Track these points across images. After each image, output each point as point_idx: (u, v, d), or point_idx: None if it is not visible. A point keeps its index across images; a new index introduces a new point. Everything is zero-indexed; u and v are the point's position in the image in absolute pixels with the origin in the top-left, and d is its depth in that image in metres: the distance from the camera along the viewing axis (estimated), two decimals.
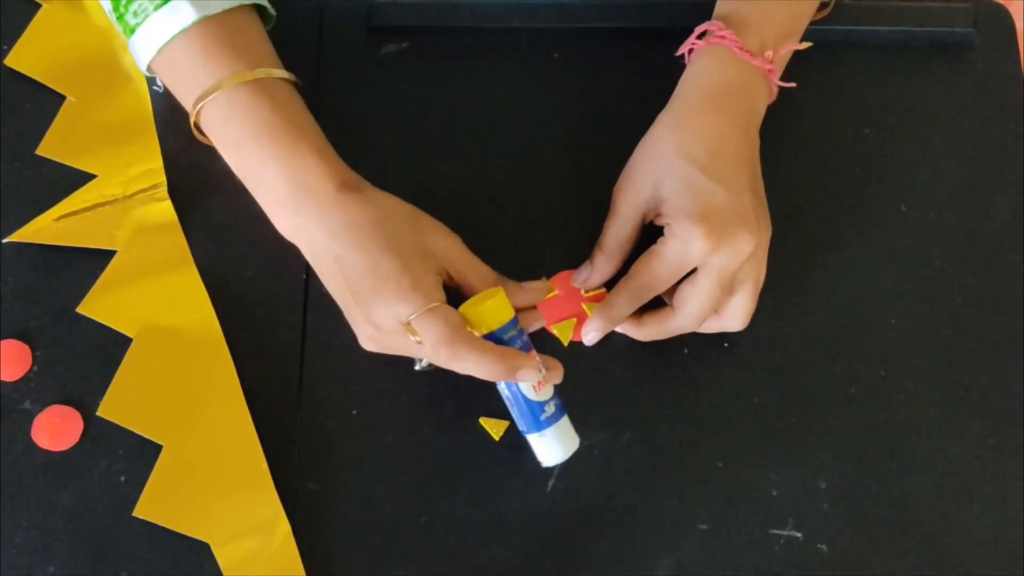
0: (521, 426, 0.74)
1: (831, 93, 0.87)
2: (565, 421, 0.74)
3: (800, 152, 0.85)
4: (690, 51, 0.81)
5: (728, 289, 0.76)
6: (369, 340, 0.74)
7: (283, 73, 0.77)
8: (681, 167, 0.75)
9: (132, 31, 0.77)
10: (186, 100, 0.77)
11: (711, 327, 0.78)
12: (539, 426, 0.73)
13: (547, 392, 0.73)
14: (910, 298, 0.82)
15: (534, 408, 0.73)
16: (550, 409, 0.73)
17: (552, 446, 0.74)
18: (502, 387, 0.73)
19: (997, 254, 0.84)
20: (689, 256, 0.74)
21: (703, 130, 0.77)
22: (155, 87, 0.84)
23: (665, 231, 0.75)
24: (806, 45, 0.82)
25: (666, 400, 0.79)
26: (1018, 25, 0.92)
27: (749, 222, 0.75)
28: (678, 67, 0.82)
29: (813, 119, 0.84)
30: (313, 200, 0.74)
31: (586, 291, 0.79)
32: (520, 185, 0.83)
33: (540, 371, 0.72)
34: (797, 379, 0.80)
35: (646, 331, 0.78)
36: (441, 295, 0.72)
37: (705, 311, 0.76)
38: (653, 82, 0.86)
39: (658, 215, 0.77)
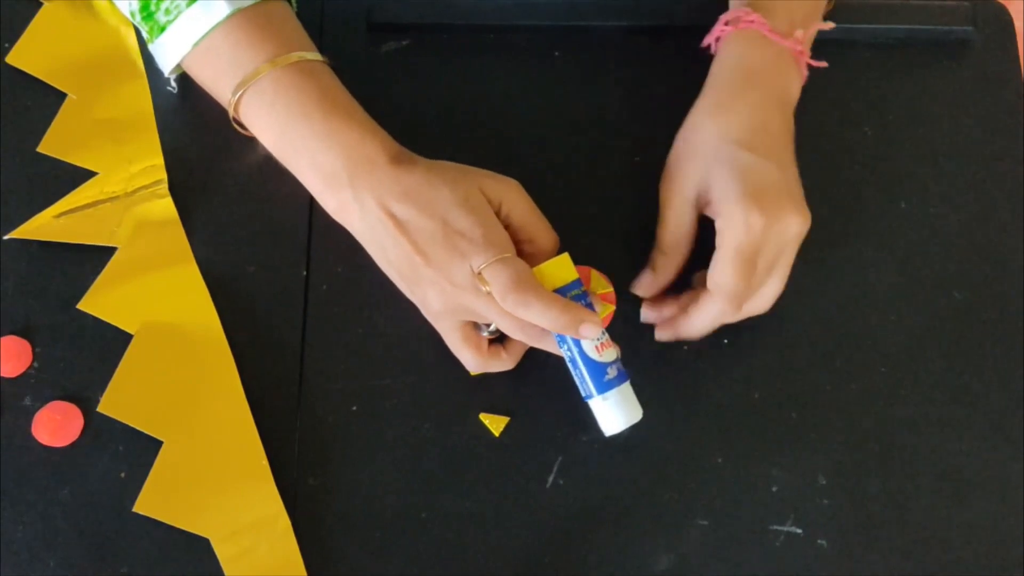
0: (584, 390, 0.74)
1: (831, 92, 0.87)
2: (627, 387, 0.74)
3: (800, 151, 0.84)
4: (716, 40, 0.81)
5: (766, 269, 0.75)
6: (438, 299, 0.73)
7: (319, 56, 0.78)
8: (727, 150, 0.75)
9: (162, 29, 0.77)
10: (224, 91, 0.77)
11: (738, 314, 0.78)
12: (601, 388, 0.73)
13: (609, 355, 0.73)
14: (910, 296, 0.82)
15: (596, 369, 0.73)
16: (612, 372, 0.73)
17: (614, 411, 0.73)
18: (565, 348, 0.73)
19: (997, 253, 0.84)
20: (753, 237, 0.72)
21: (744, 111, 0.76)
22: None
23: (719, 224, 0.74)
24: (830, 25, 0.82)
25: (666, 396, 0.79)
26: (1018, 25, 0.92)
27: (797, 201, 0.75)
28: (680, 65, 0.83)
29: (813, 118, 0.84)
30: (369, 172, 0.74)
31: (648, 296, 0.79)
32: (520, 183, 0.83)
33: (602, 331, 0.72)
34: (797, 376, 0.80)
35: (691, 326, 0.77)
36: (512, 248, 0.73)
37: (747, 290, 0.75)
38: (654, 80, 0.86)
39: (708, 205, 0.76)
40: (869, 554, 0.76)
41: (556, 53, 0.88)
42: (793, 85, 0.80)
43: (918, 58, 0.89)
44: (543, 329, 0.73)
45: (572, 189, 0.84)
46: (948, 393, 0.80)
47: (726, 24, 0.80)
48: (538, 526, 0.75)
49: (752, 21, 0.79)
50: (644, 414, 0.77)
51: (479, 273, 0.71)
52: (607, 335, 0.74)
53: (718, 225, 0.74)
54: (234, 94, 0.76)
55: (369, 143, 0.75)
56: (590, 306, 0.74)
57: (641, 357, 0.78)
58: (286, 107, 0.76)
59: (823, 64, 0.81)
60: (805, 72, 0.81)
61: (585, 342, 0.73)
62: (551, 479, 0.77)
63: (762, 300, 0.77)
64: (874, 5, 0.89)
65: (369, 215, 0.74)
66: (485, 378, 0.78)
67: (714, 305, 0.75)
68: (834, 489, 0.77)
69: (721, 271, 0.73)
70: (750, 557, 0.75)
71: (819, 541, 0.76)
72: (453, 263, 0.71)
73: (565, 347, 0.73)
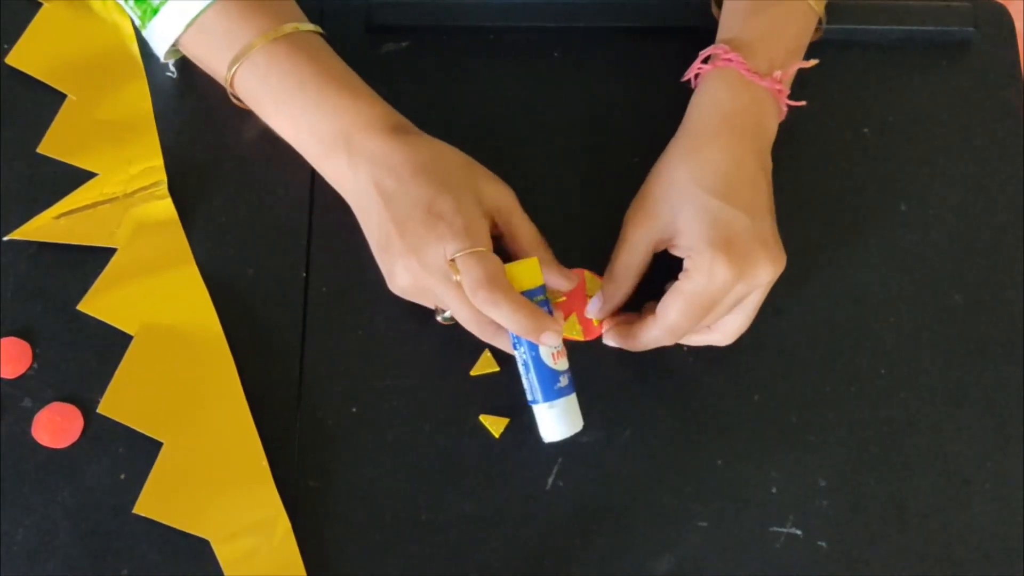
0: (531, 395, 0.74)
1: (831, 93, 0.87)
2: (574, 399, 0.74)
3: (800, 151, 0.85)
4: (696, 75, 0.80)
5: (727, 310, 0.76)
6: (405, 275, 0.74)
7: (312, 26, 0.79)
8: (698, 196, 0.74)
9: (155, 12, 0.78)
10: (219, 68, 0.78)
11: (698, 340, 0.78)
12: (551, 395, 0.73)
13: (563, 364, 0.74)
14: (910, 298, 0.82)
15: (549, 376, 0.73)
16: (563, 381, 0.74)
17: (558, 420, 0.73)
18: (520, 352, 0.73)
19: (997, 254, 0.84)
20: (714, 286, 0.72)
21: (718, 156, 0.75)
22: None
23: (686, 264, 0.74)
24: (812, 63, 0.81)
25: (666, 398, 0.79)
26: (1018, 25, 0.92)
27: (771, 248, 0.74)
28: (679, 66, 0.82)
29: (813, 119, 0.84)
30: (367, 138, 0.75)
31: (597, 321, 0.79)
32: (519, 184, 0.83)
33: (560, 340, 0.73)
34: (797, 377, 0.80)
35: (633, 341, 0.77)
36: (490, 243, 0.73)
37: (689, 328, 0.75)
38: (653, 81, 0.86)
39: (672, 244, 0.75)
40: (869, 555, 0.76)
41: (556, 53, 0.88)
42: (771, 124, 0.79)
43: (918, 59, 0.89)
44: (498, 327, 0.73)
45: (571, 189, 0.84)
46: (948, 393, 0.80)
47: (704, 61, 0.79)
48: (538, 528, 0.75)
49: (730, 60, 0.77)
50: (645, 414, 0.78)
51: (452, 260, 0.71)
52: (562, 344, 0.74)
53: (685, 265, 0.74)
54: (229, 70, 0.77)
55: (366, 110, 0.76)
56: (551, 313, 0.74)
57: (640, 359, 0.78)
58: (280, 78, 0.76)
59: (802, 103, 0.80)
60: (784, 110, 0.80)
61: (543, 348, 0.73)
62: (551, 480, 0.77)
63: (724, 334, 0.77)
64: (874, 6, 0.89)
65: (360, 181, 0.75)
66: (485, 380, 0.78)
67: (655, 330, 0.75)
68: (834, 491, 0.77)
69: (670, 306, 0.74)
70: (750, 558, 0.75)
71: (819, 542, 0.76)
72: (428, 244, 0.72)
73: (521, 349, 0.73)
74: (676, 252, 0.75)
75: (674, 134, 0.79)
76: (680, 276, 0.74)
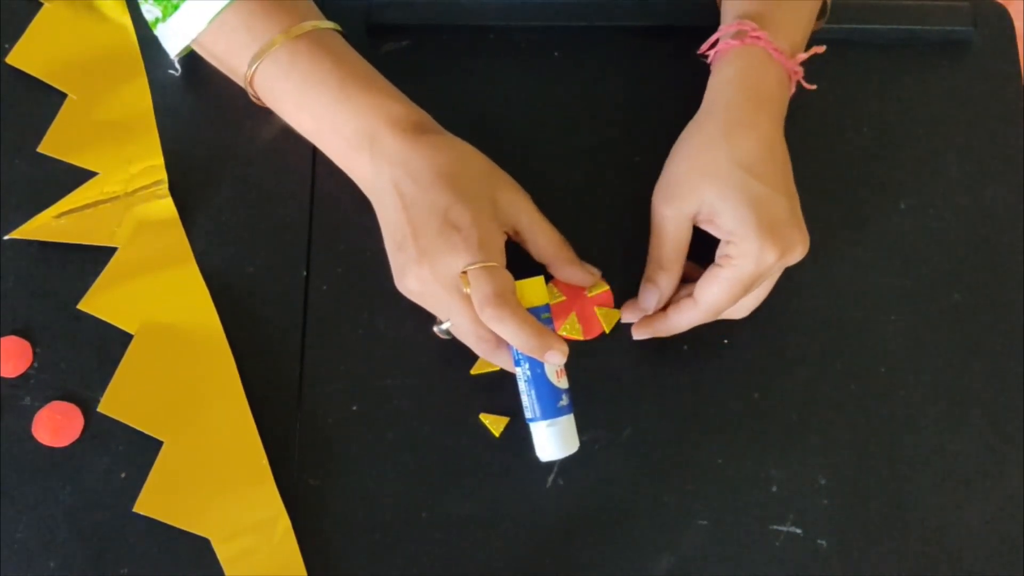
0: (533, 412, 0.74)
1: (831, 92, 0.87)
2: (572, 419, 0.74)
3: (799, 151, 0.84)
4: (714, 50, 0.79)
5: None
6: (415, 279, 0.73)
7: (332, 24, 0.79)
8: (740, 177, 0.73)
9: (175, 7, 0.78)
10: (238, 64, 0.78)
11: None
12: (553, 413, 0.73)
13: (564, 383, 0.74)
14: (910, 297, 0.82)
15: (552, 393, 0.73)
16: (564, 400, 0.74)
17: (556, 438, 0.73)
18: (524, 369, 0.73)
19: (997, 253, 0.84)
20: (761, 269, 0.73)
21: (755, 137, 0.75)
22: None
23: (729, 249, 0.73)
24: (822, 49, 0.81)
25: (666, 396, 0.79)
26: (1018, 25, 0.92)
27: (803, 229, 0.75)
28: (679, 65, 0.82)
29: (812, 118, 0.84)
30: (387, 138, 0.75)
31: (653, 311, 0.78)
32: (520, 184, 0.83)
33: (564, 359, 0.73)
34: (797, 376, 0.80)
35: (667, 326, 0.77)
36: (503, 258, 0.73)
37: (728, 307, 0.76)
38: (653, 81, 0.86)
39: (711, 224, 0.75)
40: (869, 554, 0.76)
41: (556, 53, 0.88)
42: (786, 105, 0.79)
43: (918, 58, 0.89)
44: (499, 343, 0.73)
45: (572, 189, 0.84)
46: (948, 394, 0.80)
47: (731, 37, 0.78)
48: (538, 527, 0.75)
49: (759, 38, 0.77)
50: (645, 414, 0.78)
51: (464, 273, 0.71)
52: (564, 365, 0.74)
53: (728, 250, 0.73)
54: (250, 66, 0.77)
55: (389, 107, 0.76)
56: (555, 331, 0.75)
57: (640, 358, 0.79)
58: (302, 75, 0.76)
59: (813, 87, 0.80)
60: (793, 91, 0.80)
61: (547, 366, 0.73)
62: (551, 479, 0.77)
63: (743, 309, 0.78)
64: (874, 5, 0.89)
65: (380, 180, 0.75)
66: (485, 378, 0.78)
67: (695, 313, 0.75)
68: (834, 489, 0.77)
69: (717, 291, 0.74)
70: (750, 557, 0.75)
71: (819, 541, 0.76)
72: (442, 254, 0.72)
73: (525, 366, 0.73)
74: (713, 231, 0.75)
75: (697, 109, 0.78)
76: (721, 260, 0.74)
